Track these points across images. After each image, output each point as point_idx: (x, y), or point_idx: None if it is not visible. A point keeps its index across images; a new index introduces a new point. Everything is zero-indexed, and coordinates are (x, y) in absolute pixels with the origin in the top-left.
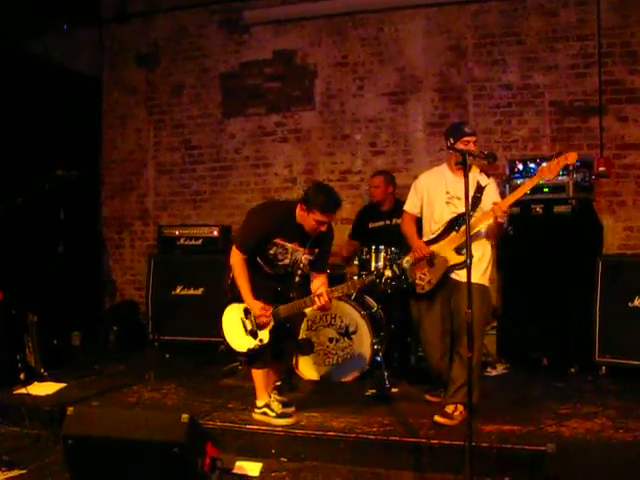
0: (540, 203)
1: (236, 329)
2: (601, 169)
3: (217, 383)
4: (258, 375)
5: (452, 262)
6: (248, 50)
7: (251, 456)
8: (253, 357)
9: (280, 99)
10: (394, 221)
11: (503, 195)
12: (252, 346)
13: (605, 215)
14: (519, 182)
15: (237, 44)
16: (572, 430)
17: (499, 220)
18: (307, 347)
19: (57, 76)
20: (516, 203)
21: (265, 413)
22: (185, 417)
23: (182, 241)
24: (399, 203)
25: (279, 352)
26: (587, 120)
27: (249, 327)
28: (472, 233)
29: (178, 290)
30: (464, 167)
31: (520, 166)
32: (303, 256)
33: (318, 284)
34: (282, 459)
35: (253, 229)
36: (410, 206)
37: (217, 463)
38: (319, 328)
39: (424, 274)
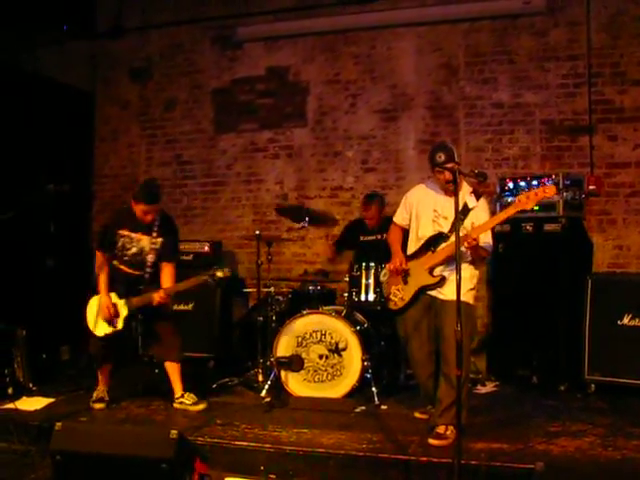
0: (530, 221)
1: (96, 317)
2: (591, 188)
3: (206, 399)
4: (174, 370)
5: (424, 282)
6: (241, 66)
7: (240, 473)
8: (108, 344)
9: (272, 115)
10: (384, 236)
11: (494, 214)
12: (108, 331)
13: (595, 233)
14: (509, 200)
15: (230, 60)
16: (561, 448)
17: (466, 246)
18: (297, 364)
19: (50, 90)
20: (506, 221)
21: (182, 402)
22: (174, 433)
23: None
24: (387, 220)
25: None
26: (577, 139)
27: None
28: (444, 257)
29: None
30: (454, 185)
31: (510, 184)
32: (149, 245)
33: (164, 273)
34: (271, 476)
35: (102, 228)
36: (399, 218)
37: (205, 479)
38: (309, 345)
39: (398, 290)
